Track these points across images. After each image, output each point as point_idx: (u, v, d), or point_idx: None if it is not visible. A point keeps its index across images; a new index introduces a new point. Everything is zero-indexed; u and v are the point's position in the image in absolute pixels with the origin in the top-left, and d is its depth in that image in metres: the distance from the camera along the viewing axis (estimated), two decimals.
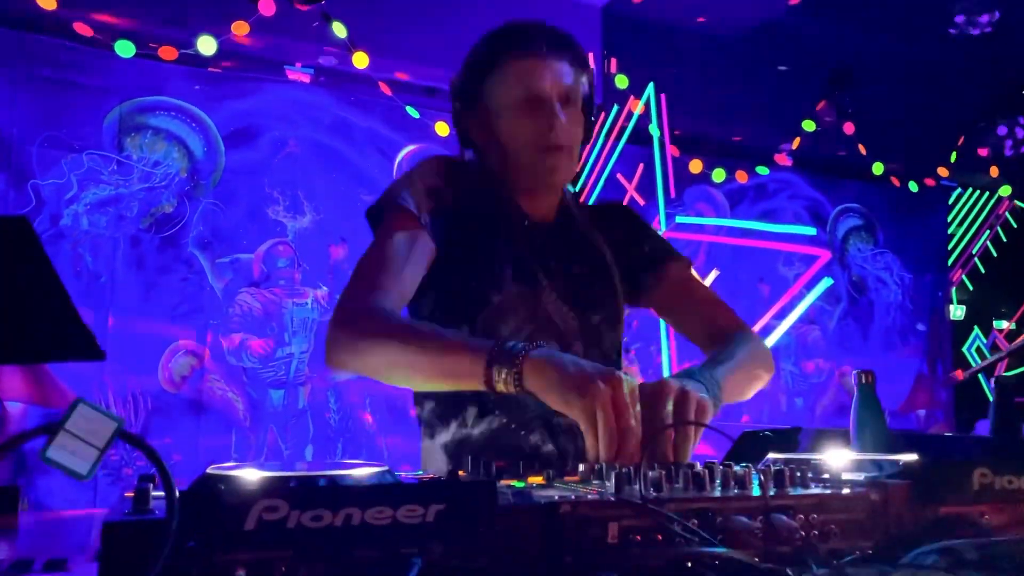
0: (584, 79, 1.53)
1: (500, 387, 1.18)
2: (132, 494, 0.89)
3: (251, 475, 0.94)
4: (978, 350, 5.82)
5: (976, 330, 5.83)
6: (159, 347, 3.48)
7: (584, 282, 1.52)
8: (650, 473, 0.98)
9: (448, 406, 1.48)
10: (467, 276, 1.45)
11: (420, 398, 1.54)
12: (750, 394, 1.52)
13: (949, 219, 5.89)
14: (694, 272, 1.66)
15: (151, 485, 0.90)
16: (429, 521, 0.82)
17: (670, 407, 1.13)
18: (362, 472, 1.00)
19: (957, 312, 5.83)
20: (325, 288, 3.80)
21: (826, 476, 1.13)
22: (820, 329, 5.26)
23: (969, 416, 5.47)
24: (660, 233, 1.69)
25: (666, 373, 4.49)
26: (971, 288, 5.90)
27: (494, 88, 1.48)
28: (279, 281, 3.70)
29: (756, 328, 4.83)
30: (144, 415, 3.38)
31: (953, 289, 5.84)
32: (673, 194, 4.61)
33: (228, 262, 3.63)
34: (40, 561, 1.15)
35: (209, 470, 1.02)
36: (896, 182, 5.43)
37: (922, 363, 5.64)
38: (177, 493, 0.72)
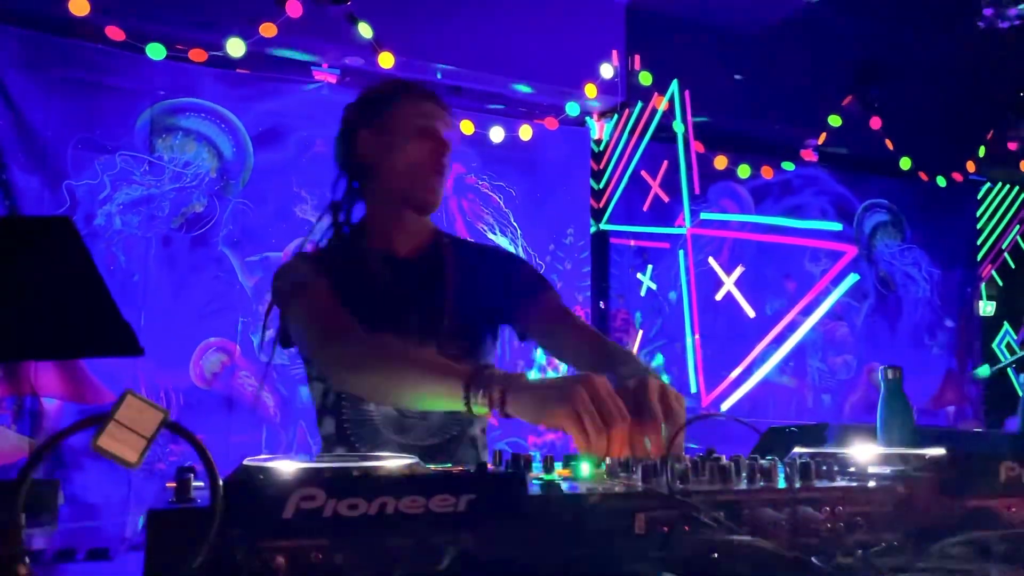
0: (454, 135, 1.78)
1: (478, 410, 1.28)
2: (173, 484, 0.92)
3: (287, 466, 0.97)
4: (1008, 346, 5.75)
5: (1006, 326, 5.76)
6: (190, 344, 3.53)
7: (446, 313, 1.68)
8: (676, 465, 1.00)
9: (326, 427, 1.69)
10: None
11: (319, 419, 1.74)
12: None
13: (978, 214, 5.82)
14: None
15: (192, 476, 0.93)
16: (461, 511, 0.84)
17: (655, 400, 1.20)
18: (393, 463, 1.03)
19: (987, 308, 5.76)
20: None
21: (852, 470, 1.14)
22: (848, 325, 5.22)
23: (999, 413, 5.41)
24: (535, 266, 1.89)
25: (691, 368, 4.49)
26: (1001, 283, 5.83)
27: (394, 113, 1.70)
28: None
29: (782, 325, 4.81)
30: (176, 411, 3.44)
31: (982, 285, 5.78)
32: (698, 191, 4.61)
33: (257, 260, 3.68)
34: (83, 551, 1.18)
35: (245, 462, 1.05)
36: (924, 177, 5.38)
37: (951, 359, 5.59)
38: (221, 482, 0.74)
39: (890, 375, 1.60)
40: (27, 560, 0.64)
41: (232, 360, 3.59)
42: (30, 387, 3.23)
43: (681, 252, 4.63)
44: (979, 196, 5.82)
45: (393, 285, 1.67)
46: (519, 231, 4.28)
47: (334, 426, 1.68)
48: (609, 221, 4.55)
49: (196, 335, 3.55)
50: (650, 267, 4.64)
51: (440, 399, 1.35)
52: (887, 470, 1.13)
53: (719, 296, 4.71)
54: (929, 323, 5.53)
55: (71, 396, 3.28)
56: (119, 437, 0.66)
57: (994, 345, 5.75)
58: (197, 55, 3.56)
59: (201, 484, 0.94)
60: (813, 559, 0.85)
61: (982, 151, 5.31)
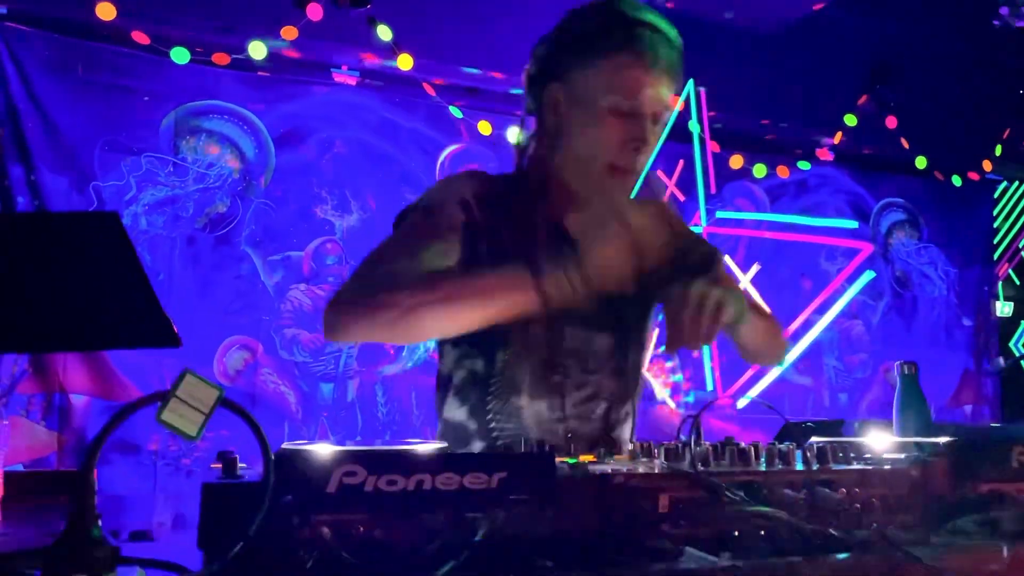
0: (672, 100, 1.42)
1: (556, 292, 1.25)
2: (218, 465, 0.97)
3: (325, 448, 1.02)
4: None
5: (1023, 325, 5.75)
6: (214, 342, 3.59)
7: (615, 305, 1.43)
8: (697, 448, 1.04)
9: (455, 411, 1.55)
10: None
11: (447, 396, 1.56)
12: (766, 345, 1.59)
13: (995, 213, 5.81)
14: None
15: (236, 456, 0.98)
16: (492, 488, 0.89)
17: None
18: (426, 447, 1.07)
19: (1005, 308, 5.74)
20: None
21: (868, 456, 1.17)
22: (864, 324, 5.23)
23: (1016, 412, 5.40)
24: (697, 230, 1.74)
25: (707, 366, 4.51)
26: (1018, 283, 5.82)
27: (591, 76, 1.36)
28: (328, 278, 3.81)
29: (797, 323, 4.83)
30: None
31: (999, 284, 5.76)
32: (713, 190, 4.63)
33: (279, 259, 3.75)
34: (125, 533, 1.24)
35: (284, 446, 1.10)
36: (939, 176, 5.38)
37: (968, 358, 5.57)
38: (272, 456, 0.79)
39: (906, 370, 1.62)
40: (103, 536, 0.69)
41: (255, 357, 3.65)
42: (58, 384, 3.30)
43: None
44: (995, 195, 5.81)
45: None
46: None
47: (470, 412, 1.49)
48: None
49: (220, 333, 3.61)
50: None
51: (508, 309, 1.28)
52: (902, 456, 1.17)
53: None
54: (946, 322, 5.52)
55: (98, 392, 3.34)
56: (180, 412, 0.71)
57: (1011, 344, 5.74)
58: (220, 59, 3.62)
59: (244, 465, 0.99)
60: (832, 530, 0.88)
61: (998, 150, 5.30)
